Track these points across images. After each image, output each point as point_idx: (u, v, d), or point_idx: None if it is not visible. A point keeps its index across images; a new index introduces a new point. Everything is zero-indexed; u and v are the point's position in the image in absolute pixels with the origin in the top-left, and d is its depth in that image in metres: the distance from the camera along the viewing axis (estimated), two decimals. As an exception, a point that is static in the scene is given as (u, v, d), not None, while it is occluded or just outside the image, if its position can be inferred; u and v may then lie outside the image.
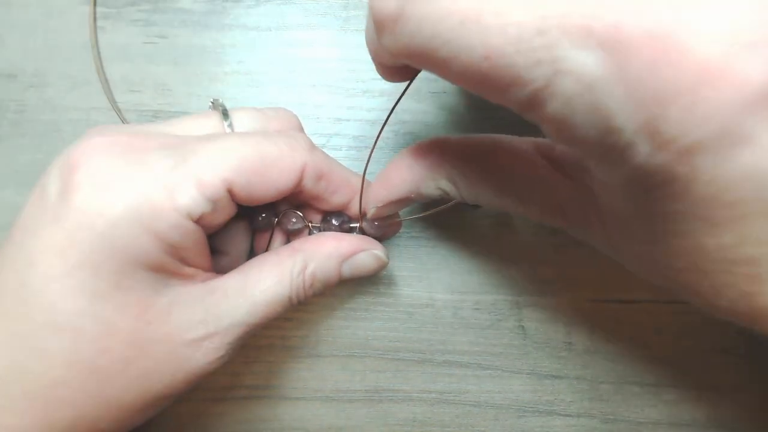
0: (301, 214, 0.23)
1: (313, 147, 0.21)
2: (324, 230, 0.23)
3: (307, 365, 0.27)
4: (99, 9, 0.29)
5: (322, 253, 0.21)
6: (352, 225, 0.23)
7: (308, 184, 0.21)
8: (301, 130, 0.23)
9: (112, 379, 0.17)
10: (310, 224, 0.23)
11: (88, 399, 0.17)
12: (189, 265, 0.19)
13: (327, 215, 0.23)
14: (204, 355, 0.19)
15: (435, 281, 0.28)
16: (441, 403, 0.27)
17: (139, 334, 0.17)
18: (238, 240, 0.24)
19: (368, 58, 0.29)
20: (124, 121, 0.27)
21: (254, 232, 0.25)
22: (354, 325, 0.28)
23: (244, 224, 0.25)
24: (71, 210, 0.17)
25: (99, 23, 0.29)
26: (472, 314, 0.28)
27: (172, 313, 0.18)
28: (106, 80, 0.24)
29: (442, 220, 0.28)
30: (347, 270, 0.22)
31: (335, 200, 0.22)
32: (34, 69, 0.28)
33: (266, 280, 0.20)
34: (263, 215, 0.23)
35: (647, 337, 0.27)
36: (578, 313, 0.28)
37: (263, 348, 0.27)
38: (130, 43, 0.29)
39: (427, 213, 0.24)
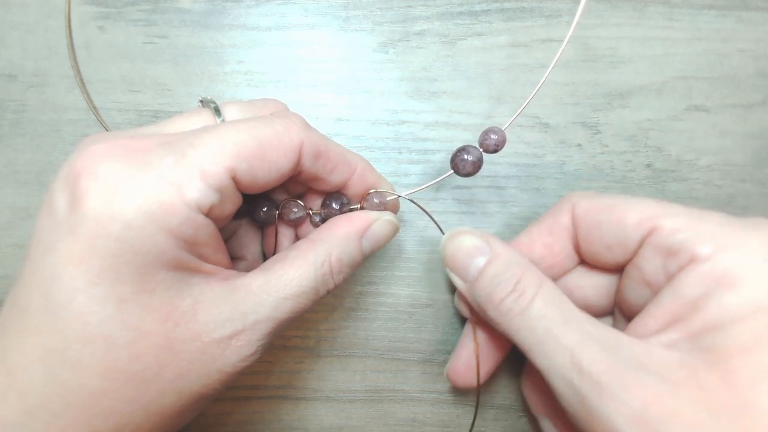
0: (301, 202, 0.23)
1: (307, 125, 0.21)
2: (325, 215, 0.23)
3: (307, 365, 0.27)
4: (99, 9, 0.29)
5: (340, 236, 0.21)
6: (352, 207, 0.23)
7: (307, 162, 0.21)
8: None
9: (149, 384, 0.17)
10: (310, 211, 0.24)
11: (128, 406, 0.17)
12: (208, 261, 0.19)
13: (326, 200, 0.23)
14: (234, 353, 0.19)
15: (435, 281, 0.28)
16: (441, 403, 0.27)
17: (168, 336, 0.17)
18: (251, 242, 0.25)
19: (368, 57, 0.29)
20: (102, 121, 0.27)
21: (262, 230, 0.25)
22: (354, 325, 0.28)
23: (251, 225, 0.25)
24: (84, 219, 0.16)
25: (99, 23, 0.29)
26: (472, 314, 0.28)
27: (198, 313, 0.18)
28: (81, 79, 0.24)
29: (442, 220, 0.28)
30: (367, 245, 0.22)
31: (334, 179, 0.22)
32: (34, 69, 0.28)
33: (289, 273, 0.20)
34: (264, 209, 0.23)
35: (647, 337, 0.27)
36: (578, 313, 0.28)
37: (263, 348, 0.27)
38: (130, 43, 0.29)
39: (423, 187, 0.24)
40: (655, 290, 0.20)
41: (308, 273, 0.20)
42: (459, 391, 0.27)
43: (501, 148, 0.23)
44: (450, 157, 0.23)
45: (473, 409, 0.27)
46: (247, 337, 0.19)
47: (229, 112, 0.21)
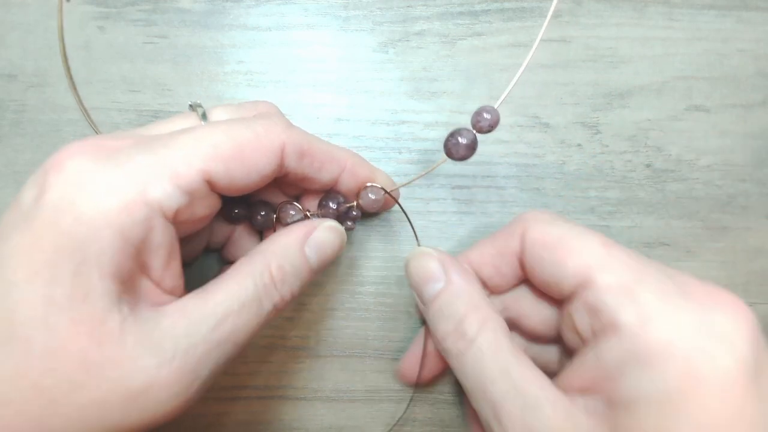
0: (298, 205, 0.23)
1: (290, 126, 0.20)
2: (322, 216, 0.23)
3: (307, 365, 0.27)
4: (99, 9, 0.29)
5: (280, 245, 0.20)
6: (348, 205, 0.23)
7: (291, 163, 0.20)
8: (280, 115, 0.23)
9: (57, 405, 0.15)
10: (308, 213, 0.23)
11: (28, 425, 0.15)
12: (151, 276, 0.18)
13: (323, 200, 0.23)
14: (162, 387, 0.16)
15: (435, 281, 0.28)
16: (441, 403, 0.27)
17: (89, 355, 0.16)
18: (252, 247, 0.24)
19: (368, 57, 0.29)
20: (91, 123, 0.27)
21: (260, 234, 0.25)
22: (354, 325, 0.28)
23: (249, 230, 0.25)
24: (41, 211, 0.16)
25: (99, 23, 0.29)
26: (472, 314, 0.28)
27: (125, 334, 0.16)
28: (71, 78, 0.24)
29: (442, 220, 0.28)
30: (311, 253, 0.21)
31: (323, 177, 0.22)
32: (34, 69, 0.28)
33: (225, 289, 0.18)
34: (262, 213, 0.23)
35: (647, 337, 0.27)
36: (578, 313, 0.28)
37: (263, 348, 0.27)
38: (130, 43, 0.29)
39: (419, 176, 0.25)
40: (583, 339, 0.19)
41: (247, 284, 0.19)
42: (459, 391, 0.27)
43: (495, 128, 0.22)
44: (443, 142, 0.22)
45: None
46: (178, 368, 0.17)
47: (216, 116, 0.21)
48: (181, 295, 0.19)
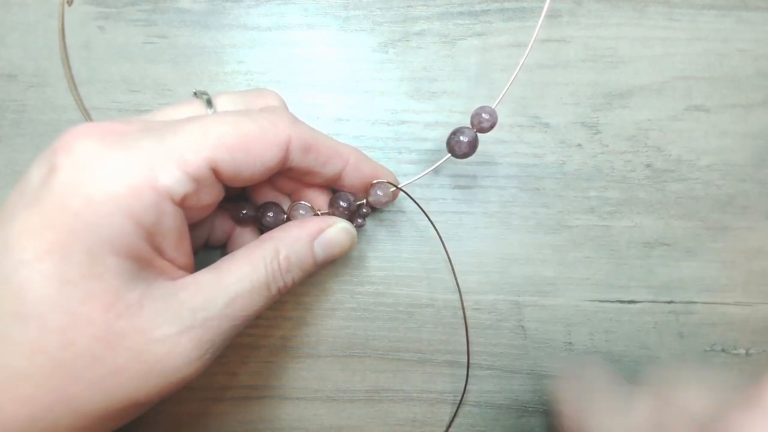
0: (308, 203, 0.23)
1: (296, 120, 0.21)
2: (332, 215, 0.23)
3: (307, 365, 0.27)
4: (99, 9, 0.29)
5: (291, 237, 0.21)
6: (358, 203, 0.23)
7: (296, 157, 0.20)
8: (285, 107, 0.23)
9: (76, 376, 0.16)
10: (318, 213, 0.24)
11: (48, 396, 0.16)
12: (164, 256, 0.18)
13: (333, 200, 0.23)
14: (180, 355, 0.17)
15: (435, 281, 0.28)
16: (441, 403, 0.27)
17: (107, 327, 0.16)
18: None
19: (368, 57, 0.29)
20: (89, 118, 0.27)
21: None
22: (354, 325, 0.28)
23: (251, 227, 0.25)
24: (49, 192, 0.16)
25: (99, 23, 0.29)
26: (472, 314, 0.28)
27: (144, 307, 0.17)
28: (71, 78, 0.25)
29: (442, 220, 0.28)
30: (320, 249, 0.22)
31: (328, 171, 0.22)
32: (34, 69, 0.28)
33: (240, 270, 0.19)
34: (270, 214, 0.23)
35: (647, 337, 0.27)
36: (578, 313, 0.28)
37: (263, 348, 0.27)
38: (130, 43, 0.29)
39: (422, 174, 0.25)
40: None
41: (258, 269, 0.20)
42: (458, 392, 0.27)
43: (494, 127, 0.23)
44: (445, 141, 0.23)
45: (474, 410, 0.27)
46: (197, 335, 0.18)
47: (221, 104, 0.21)
48: (191, 271, 0.19)
